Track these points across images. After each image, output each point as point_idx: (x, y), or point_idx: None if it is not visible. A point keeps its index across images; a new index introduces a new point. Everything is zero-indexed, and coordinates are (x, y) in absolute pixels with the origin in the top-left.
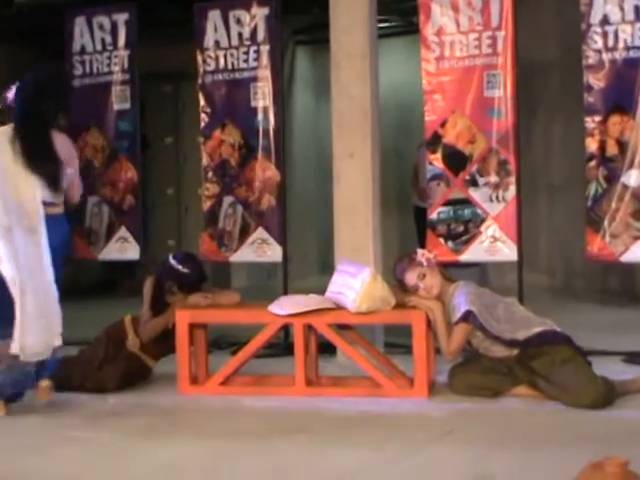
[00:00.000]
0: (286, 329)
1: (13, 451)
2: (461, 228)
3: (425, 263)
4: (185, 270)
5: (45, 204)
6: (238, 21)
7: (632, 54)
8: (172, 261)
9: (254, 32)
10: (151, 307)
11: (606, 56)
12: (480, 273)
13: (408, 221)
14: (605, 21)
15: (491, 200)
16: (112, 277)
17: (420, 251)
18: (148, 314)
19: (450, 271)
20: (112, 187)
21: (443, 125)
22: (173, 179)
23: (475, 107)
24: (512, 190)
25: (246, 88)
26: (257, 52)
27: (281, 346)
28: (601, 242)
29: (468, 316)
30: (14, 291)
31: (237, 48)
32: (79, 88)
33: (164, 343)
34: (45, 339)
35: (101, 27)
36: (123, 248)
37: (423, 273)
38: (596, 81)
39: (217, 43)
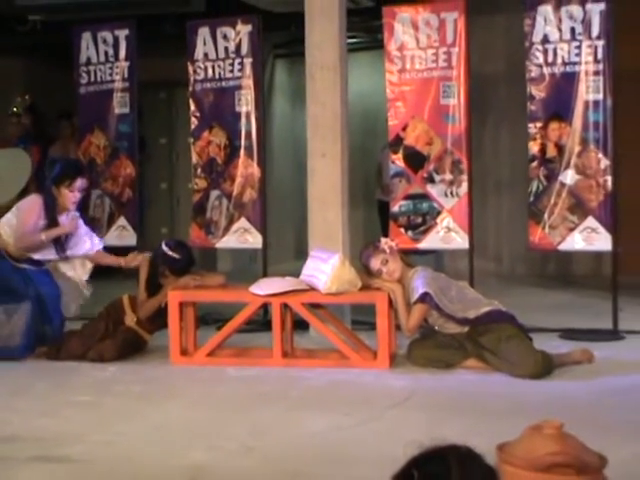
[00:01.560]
0: (265, 307)
1: (26, 413)
2: (419, 220)
3: (388, 250)
4: (176, 256)
5: None
6: (224, 36)
7: (568, 69)
8: (164, 247)
9: (238, 46)
10: (146, 288)
11: (546, 70)
12: (436, 259)
13: (373, 213)
14: (545, 40)
15: (446, 195)
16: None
17: (383, 240)
18: (144, 295)
19: (410, 257)
20: (113, 181)
21: (404, 129)
22: (167, 175)
23: (432, 113)
24: (464, 187)
25: (231, 95)
26: (241, 64)
27: (260, 322)
28: (541, 233)
29: (425, 297)
30: None
31: (223, 60)
32: (85, 95)
33: (158, 319)
34: None
35: (104, 41)
36: (122, 235)
37: (386, 259)
38: (538, 92)
39: (206, 55)
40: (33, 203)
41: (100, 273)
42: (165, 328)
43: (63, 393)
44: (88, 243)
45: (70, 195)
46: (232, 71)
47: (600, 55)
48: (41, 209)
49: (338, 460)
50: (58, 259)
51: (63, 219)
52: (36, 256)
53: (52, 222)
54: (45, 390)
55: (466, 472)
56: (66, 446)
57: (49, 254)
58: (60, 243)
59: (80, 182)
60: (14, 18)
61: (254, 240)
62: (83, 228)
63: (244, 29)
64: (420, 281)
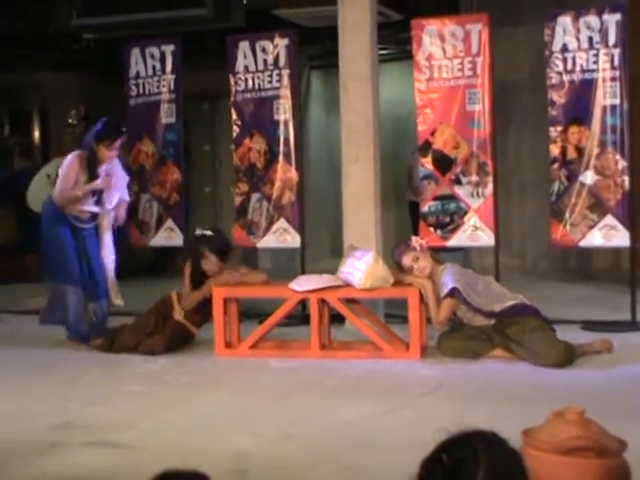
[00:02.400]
0: (303, 303)
1: (80, 401)
2: (448, 219)
3: (418, 248)
4: (210, 233)
5: None
6: (263, 50)
7: (587, 76)
8: (197, 232)
9: (276, 59)
10: (190, 282)
11: (566, 77)
12: (463, 256)
13: (404, 214)
14: (565, 49)
15: (472, 196)
16: (160, 260)
17: (414, 238)
18: (188, 288)
19: (439, 254)
20: (161, 186)
21: (433, 134)
22: (210, 180)
23: (459, 119)
24: (490, 188)
25: (270, 105)
26: (279, 75)
27: (299, 317)
28: (563, 230)
29: (454, 292)
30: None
31: (262, 72)
32: (134, 106)
33: (204, 313)
34: None
35: (152, 56)
36: (169, 237)
37: (417, 256)
38: (558, 98)
39: (246, 68)
40: (72, 161)
41: (150, 272)
42: (211, 320)
43: (115, 383)
44: (116, 197)
45: (108, 154)
46: (271, 82)
47: (616, 62)
48: (79, 166)
49: (371, 446)
50: (96, 212)
51: (100, 171)
52: (79, 208)
53: (91, 176)
54: (98, 380)
55: (492, 456)
56: (117, 432)
57: (88, 206)
58: (98, 197)
59: (119, 143)
60: (70, 37)
61: (293, 240)
62: (118, 184)
63: (281, 43)
64: (449, 277)
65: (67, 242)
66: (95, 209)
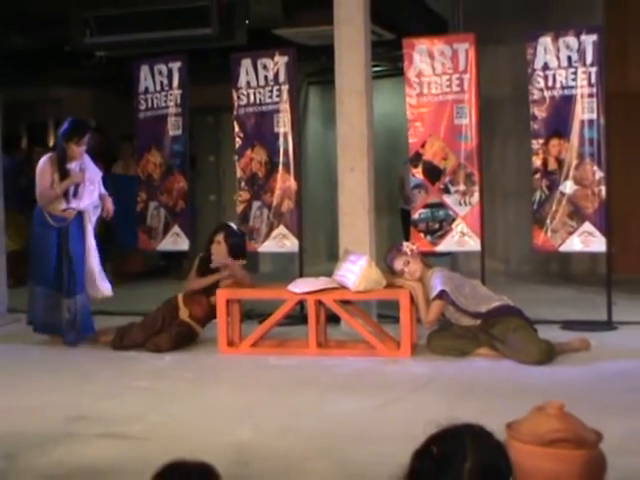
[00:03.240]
0: (301, 304)
1: (93, 396)
2: (437, 226)
3: (409, 253)
4: (240, 232)
5: None
6: (264, 67)
7: (566, 92)
8: (233, 224)
9: (276, 75)
10: (197, 272)
11: (547, 93)
12: (451, 260)
13: (396, 220)
14: (546, 67)
15: (460, 204)
16: (166, 264)
17: (405, 243)
18: (194, 275)
19: (429, 259)
20: (168, 195)
21: (423, 146)
22: (214, 188)
23: (447, 132)
24: (476, 196)
25: (270, 118)
26: (279, 90)
27: (298, 317)
28: (544, 236)
29: (442, 294)
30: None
31: (263, 87)
32: (143, 119)
33: (208, 313)
34: None
35: (160, 72)
36: (176, 241)
37: (408, 261)
38: (539, 112)
39: (248, 83)
40: (43, 164)
41: (156, 274)
42: (214, 319)
43: (125, 379)
44: (94, 193)
45: (78, 150)
46: (271, 97)
47: (593, 80)
48: (51, 166)
49: (365, 438)
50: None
51: (73, 167)
52: (61, 207)
53: (63, 173)
54: (110, 376)
55: (479, 447)
56: (128, 425)
57: (68, 204)
58: (72, 193)
59: (86, 138)
60: (84, 54)
61: (291, 245)
62: (92, 177)
63: (281, 60)
64: (438, 280)
65: (47, 245)
66: (75, 206)
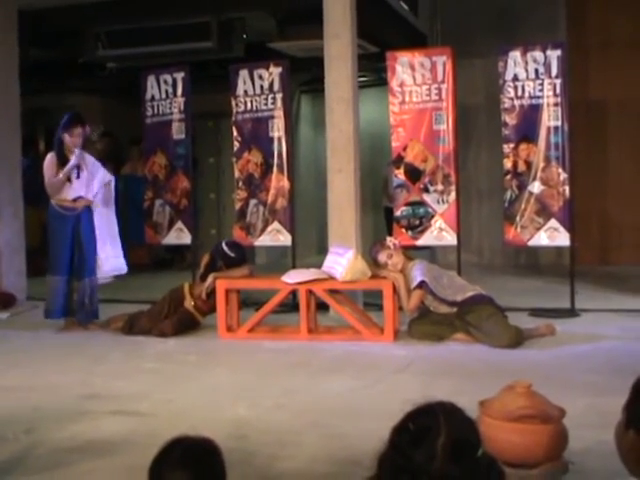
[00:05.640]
0: (294, 293)
1: (105, 376)
2: (417, 222)
3: (392, 247)
4: (232, 254)
5: None
6: (260, 77)
7: (534, 101)
8: (224, 247)
9: (271, 84)
10: (204, 271)
11: (517, 102)
12: (430, 253)
13: (380, 217)
14: (515, 78)
15: (438, 202)
16: (171, 256)
17: (389, 238)
18: (198, 280)
19: (410, 252)
20: (172, 193)
21: (404, 149)
22: (215, 187)
23: (427, 136)
24: (453, 195)
25: (265, 123)
26: (273, 98)
27: (290, 305)
28: (514, 232)
29: (422, 284)
30: None
31: (259, 95)
32: (150, 125)
33: (210, 304)
34: None
35: (165, 82)
36: (180, 236)
37: (391, 254)
38: (510, 119)
39: (245, 92)
40: (49, 158)
41: (160, 266)
42: (215, 312)
43: (134, 361)
44: (98, 180)
45: (70, 139)
46: (266, 104)
47: (558, 90)
48: (53, 159)
49: (350, 414)
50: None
51: (75, 154)
52: (68, 195)
53: (63, 161)
54: (119, 358)
55: (451, 423)
56: (136, 403)
57: (75, 192)
58: (75, 176)
59: (80, 130)
60: (96, 66)
61: (285, 239)
62: (91, 172)
63: (275, 70)
64: (418, 271)
65: (63, 237)
66: (84, 194)
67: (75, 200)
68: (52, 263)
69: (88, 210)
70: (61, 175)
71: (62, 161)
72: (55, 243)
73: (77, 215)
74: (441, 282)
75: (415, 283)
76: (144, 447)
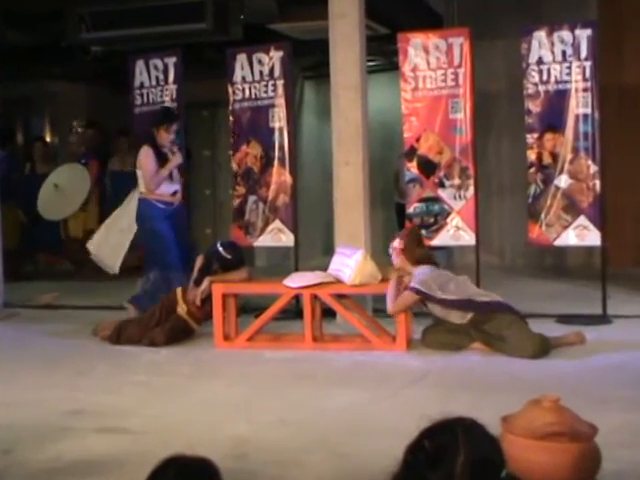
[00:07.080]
0: (297, 298)
1: (90, 391)
2: (432, 220)
3: (390, 250)
4: (228, 256)
5: None
6: (259, 61)
7: (560, 87)
8: (220, 248)
9: (272, 70)
10: (198, 274)
11: (541, 88)
12: (447, 254)
13: (391, 214)
14: (540, 61)
15: (455, 198)
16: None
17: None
18: (192, 285)
19: (426, 252)
20: None
21: (418, 140)
22: (210, 182)
23: (442, 126)
24: (471, 190)
25: (266, 113)
26: (274, 85)
27: (293, 311)
28: (539, 230)
29: (412, 289)
30: None
31: (259, 82)
32: (139, 114)
33: (206, 311)
34: None
35: (155, 67)
36: None
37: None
38: (534, 107)
39: (243, 78)
40: (146, 152)
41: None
42: (211, 319)
43: (122, 373)
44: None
45: (166, 135)
46: (266, 92)
47: (588, 74)
48: (152, 153)
49: (360, 432)
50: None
51: (168, 150)
52: (167, 190)
53: (162, 158)
54: (106, 371)
55: (471, 441)
56: (125, 419)
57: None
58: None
59: (175, 125)
60: (79, 49)
61: (287, 239)
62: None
63: (276, 55)
64: (417, 277)
65: (167, 232)
66: (179, 188)
67: (173, 194)
68: (162, 259)
69: (182, 204)
70: (164, 172)
71: (159, 158)
72: (161, 240)
73: (174, 209)
74: (447, 288)
75: (410, 285)
76: (135, 467)
